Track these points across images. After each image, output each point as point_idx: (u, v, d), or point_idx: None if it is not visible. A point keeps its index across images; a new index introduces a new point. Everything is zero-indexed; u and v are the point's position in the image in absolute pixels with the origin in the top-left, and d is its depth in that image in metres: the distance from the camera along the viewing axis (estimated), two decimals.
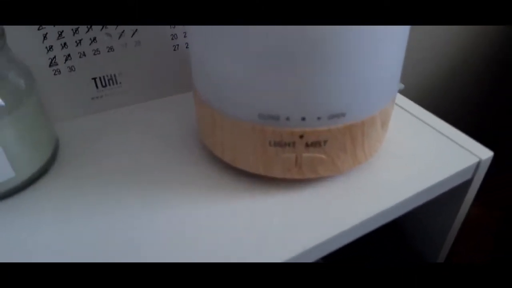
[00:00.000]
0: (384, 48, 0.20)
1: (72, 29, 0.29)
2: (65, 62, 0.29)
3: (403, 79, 0.72)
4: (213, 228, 0.22)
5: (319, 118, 0.20)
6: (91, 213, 0.23)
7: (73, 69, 0.30)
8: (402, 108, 0.33)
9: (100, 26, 0.29)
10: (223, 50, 0.20)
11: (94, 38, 0.30)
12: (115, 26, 0.30)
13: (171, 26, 0.32)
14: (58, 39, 0.28)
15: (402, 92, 0.73)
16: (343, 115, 0.20)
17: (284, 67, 0.19)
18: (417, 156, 0.28)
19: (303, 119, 0.20)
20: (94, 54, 0.30)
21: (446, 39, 0.78)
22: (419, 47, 0.74)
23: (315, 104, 0.20)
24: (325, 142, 0.21)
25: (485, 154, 0.29)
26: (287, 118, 0.20)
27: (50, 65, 0.29)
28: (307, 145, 0.21)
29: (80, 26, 0.29)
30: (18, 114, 0.22)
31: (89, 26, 0.29)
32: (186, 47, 0.33)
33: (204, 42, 0.21)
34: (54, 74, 0.29)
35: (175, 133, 0.30)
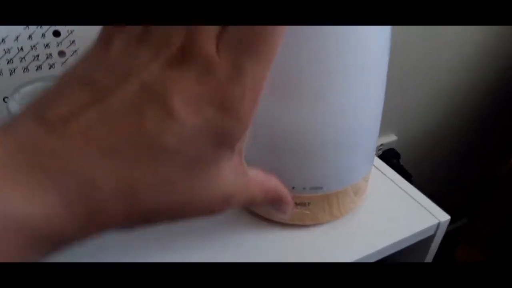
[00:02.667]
0: (351, 148, 0.30)
1: None
2: None
3: (395, 131, 0.80)
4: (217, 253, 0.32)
5: (304, 188, 0.30)
6: None
7: None
8: (379, 170, 0.42)
9: None
10: None
11: None
12: None
13: None
14: None
15: (395, 142, 0.81)
16: (321, 188, 0.30)
17: (280, 155, 0.29)
18: (388, 214, 0.37)
19: (293, 188, 0.30)
20: None
21: (439, 95, 0.85)
22: (411, 103, 0.81)
23: (301, 180, 0.30)
24: (308, 203, 0.31)
25: (444, 217, 0.37)
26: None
27: None
28: (296, 204, 0.31)
29: None
30: None
31: None
32: None
33: None
34: None
35: None
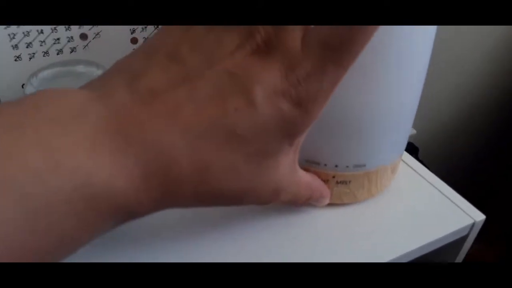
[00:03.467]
0: (393, 127, 0.29)
1: None
2: None
3: (414, 125, 0.78)
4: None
5: (347, 166, 0.29)
6: None
7: None
8: (410, 166, 0.41)
9: None
10: None
11: None
12: None
13: None
14: None
15: (413, 136, 0.80)
16: (364, 165, 0.30)
17: (324, 134, 0.28)
18: (419, 210, 0.35)
19: (336, 166, 0.30)
20: None
21: (459, 90, 0.83)
22: (431, 97, 0.80)
23: (345, 158, 0.29)
24: (349, 181, 0.31)
25: (479, 216, 0.36)
26: (325, 164, 0.30)
27: None
28: (337, 182, 0.30)
29: None
30: None
31: None
32: None
33: None
34: None
35: None
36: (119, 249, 0.28)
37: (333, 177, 0.30)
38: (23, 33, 0.32)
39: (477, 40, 0.74)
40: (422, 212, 0.35)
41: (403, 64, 0.27)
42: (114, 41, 0.34)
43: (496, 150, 0.98)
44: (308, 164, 0.30)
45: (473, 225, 0.35)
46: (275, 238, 0.31)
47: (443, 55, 0.72)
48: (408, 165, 0.41)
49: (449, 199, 0.37)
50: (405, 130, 0.32)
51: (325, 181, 0.31)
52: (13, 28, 0.31)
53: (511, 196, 0.89)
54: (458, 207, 0.36)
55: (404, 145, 0.34)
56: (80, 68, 0.30)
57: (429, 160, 0.80)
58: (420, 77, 0.30)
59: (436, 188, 0.38)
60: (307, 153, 0.29)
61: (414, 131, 0.80)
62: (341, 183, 0.31)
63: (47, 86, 0.29)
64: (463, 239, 0.36)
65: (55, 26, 0.32)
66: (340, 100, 0.27)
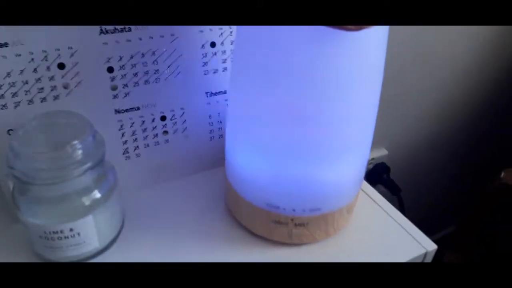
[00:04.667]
0: (346, 174, 0.32)
1: (142, 129, 0.40)
2: (134, 151, 0.41)
3: (386, 145, 0.82)
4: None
5: (303, 210, 0.33)
6: None
7: (139, 155, 0.41)
8: (366, 194, 0.44)
9: (162, 127, 0.41)
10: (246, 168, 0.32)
11: (156, 134, 0.41)
12: (173, 124, 0.41)
13: (210, 123, 0.43)
14: (132, 135, 0.40)
15: (386, 157, 0.83)
16: (319, 209, 0.33)
17: (281, 179, 0.31)
18: (375, 238, 0.39)
19: (294, 210, 0.33)
20: (155, 145, 0.42)
21: (426, 113, 0.87)
22: (401, 120, 0.83)
23: (301, 202, 0.33)
24: (307, 223, 0.34)
25: (431, 246, 0.39)
26: (284, 208, 0.33)
27: (123, 153, 0.41)
28: (295, 225, 0.34)
29: (149, 128, 0.40)
30: (108, 203, 0.34)
31: (154, 127, 0.41)
32: (219, 137, 0.45)
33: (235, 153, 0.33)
34: (125, 159, 0.41)
35: (209, 198, 0.42)
36: None
37: (292, 220, 0.33)
38: (9, 83, 0.34)
39: (446, 65, 0.78)
40: (378, 244, 0.39)
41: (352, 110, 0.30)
42: (94, 88, 0.37)
43: (466, 168, 1.03)
44: (268, 208, 0.33)
45: (425, 254, 0.39)
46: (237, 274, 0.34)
47: (413, 79, 0.76)
48: (367, 195, 0.44)
49: (405, 229, 0.40)
50: (358, 175, 0.35)
51: (285, 224, 0.34)
52: (0, 80, 0.34)
53: (484, 211, 0.93)
54: (413, 237, 0.40)
55: (359, 187, 0.37)
56: (62, 120, 0.32)
57: (399, 178, 0.84)
58: (370, 116, 0.33)
59: (392, 218, 0.42)
60: (268, 197, 0.33)
61: (386, 152, 0.83)
62: (299, 225, 0.34)
63: (33, 136, 0.31)
64: None
65: (39, 77, 0.35)
66: (295, 148, 0.30)
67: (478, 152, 1.01)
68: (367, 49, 0.27)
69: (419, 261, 0.39)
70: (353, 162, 0.33)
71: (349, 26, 0.22)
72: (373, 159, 0.81)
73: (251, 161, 0.33)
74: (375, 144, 0.81)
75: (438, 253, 1.08)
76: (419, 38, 0.69)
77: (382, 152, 0.83)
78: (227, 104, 0.43)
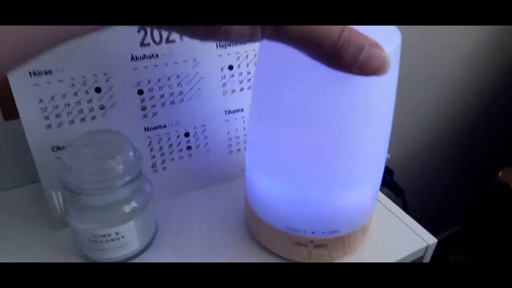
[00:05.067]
0: (363, 197, 0.36)
1: (169, 145, 0.45)
2: (161, 164, 0.46)
3: (389, 150, 0.86)
4: None
5: (323, 233, 0.36)
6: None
7: (165, 168, 0.46)
8: (379, 201, 0.48)
9: (186, 142, 0.45)
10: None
11: (181, 149, 0.46)
12: (196, 139, 0.46)
13: (229, 138, 0.48)
14: (159, 150, 0.45)
15: (388, 161, 0.87)
16: (337, 231, 0.36)
17: (302, 205, 0.35)
18: (385, 245, 0.43)
19: (313, 232, 0.36)
20: (180, 159, 0.46)
21: (427, 118, 0.91)
22: (403, 125, 0.87)
23: (321, 226, 0.36)
24: (325, 245, 0.37)
25: (432, 240, 0.43)
26: (304, 231, 0.36)
27: (151, 167, 0.45)
28: (315, 246, 0.37)
29: (174, 143, 0.45)
30: (145, 210, 0.38)
31: (179, 143, 0.45)
32: (237, 151, 0.49)
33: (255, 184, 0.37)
34: (153, 172, 0.46)
35: (228, 208, 0.46)
36: None
37: (311, 241, 0.37)
38: (53, 106, 0.39)
39: (443, 73, 0.83)
40: (384, 242, 0.43)
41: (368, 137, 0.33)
42: (126, 108, 0.42)
43: (466, 169, 1.07)
44: (289, 230, 0.36)
45: (426, 247, 0.43)
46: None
47: (411, 87, 0.80)
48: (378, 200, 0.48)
49: (407, 225, 0.45)
50: (373, 199, 0.39)
51: (304, 245, 0.37)
52: (45, 103, 0.39)
53: (485, 209, 0.96)
54: (415, 232, 0.44)
55: (373, 208, 0.41)
56: (104, 137, 0.37)
57: (404, 182, 0.88)
58: (383, 143, 0.36)
59: (395, 215, 0.46)
60: (289, 221, 0.36)
61: (389, 155, 0.88)
62: (318, 246, 0.37)
63: (81, 151, 0.36)
64: (420, 259, 0.44)
65: (79, 100, 0.40)
66: (314, 176, 0.33)
67: (477, 152, 1.05)
68: (380, 86, 0.31)
69: (420, 254, 0.43)
70: (367, 188, 0.37)
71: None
72: None
73: (271, 187, 0.36)
74: None
75: (442, 253, 1.12)
76: (418, 46, 0.73)
77: (377, 197, 0.87)
78: (246, 128, 0.48)
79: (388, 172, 0.87)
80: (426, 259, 0.44)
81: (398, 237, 0.44)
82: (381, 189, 0.89)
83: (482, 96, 0.94)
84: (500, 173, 0.82)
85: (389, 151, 0.87)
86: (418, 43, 0.72)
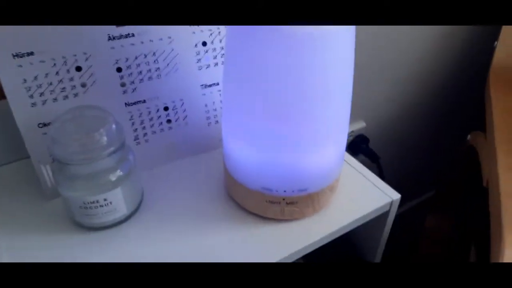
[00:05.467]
0: (327, 159, 0.40)
1: (149, 118, 0.48)
2: (143, 137, 0.49)
3: (364, 118, 0.90)
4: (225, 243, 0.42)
5: (293, 191, 0.40)
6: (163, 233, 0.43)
7: (147, 141, 0.49)
8: (347, 162, 0.52)
9: (165, 116, 0.48)
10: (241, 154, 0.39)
11: (161, 123, 0.49)
12: (175, 113, 0.49)
13: (206, 111, 0.51)
14: (140, 124, 0.47)
15: (364, 129, 0.91)
16: (306, 190, 0.40)
17: (274, 165, 0.38)
18: (354, 202, 0.47)
19: (285, 191, 0.40)
20: (161, 132, 0.49)
21: (399, 88, 0.95)
22: (377, 94, 0.91)
23: (291, 185, 0.40)
24: (296, 202, 0.41)
25: (396, 196, 0.48)
26: (276, 190, 0.40)
27: (134, 139, 0.48)
28: (287, 203, 0.41)
29: (154, 117, 0.48)
30: (130, 178, 0.41)
31: (159, 116, 0.48)
32: (215, 123, 0.52)
33: (230, 141, 0.40)
34: (136, 144, 0.49)
35: (208, 176, 0.50)
36: None
37: (283, 199, 0.40)
38: (36, 85, 0.41)
39: (414, 40, 0.86)
40: (354, 199, 0.47)
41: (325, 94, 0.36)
42: (107, 85, 0.44)
43: (438, 135, 1.11)
44: (262, 190, 0.40)
45: (391, 202, 0.47)
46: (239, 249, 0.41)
47: (384, 56, 0.83)
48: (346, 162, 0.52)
49: (375, 184, 0.49)
50: (338, 160, 0.42)
51: (277, 203, 0.41)
52: (29, 83, 0.41)
53: (458, 173, 1.01)
54: (381, 190, 0.48)
55: (339, 171, 0.44)
56: (88, 112, 0.40)
57: (379, 148, 0.92)
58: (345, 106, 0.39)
59: (365, 176, 0.50)
60: (262, 182, 0.40)
61: (364, 124, 0.92)
62: (290, 203, 0.41)
63: (66, 125, 0.38)
64: (386, 214, 0.48)
65: (61, 79, 0.42)
66: (282, 140, 0.37)
67: (447, 119, 1.09)
68: (337, 47, 0.34)
69: (386, 209, 0.47)
70: (332, 149, 0.40)
71: None
72: (352, 131, 0.90)
73: (245, 151, 0.40)
74: (354, 117, 0.89)
75: (420, 217, 1.17)
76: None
77: (360, 125, 0.91)
78: (221, 101, 0.50)
79: (364, 140, 0.91)
80: (392, 214, 0.48)
81: (365, 194, 0.48)
82: (357, 156, 0.93)
83: (449, 67, 0.98)
84: (468, 137, 0.87)
85: (365, 120, 0.92)
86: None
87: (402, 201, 0.48)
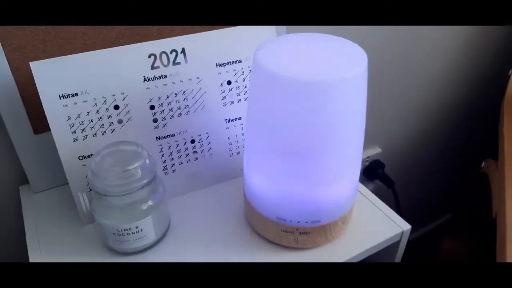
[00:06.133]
0: (339, 193, 0.43)
1: (177, 150, 0.52)
2: (171, 168, 0.53)
3: (380, 144, 0.92)
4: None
5: (306, 222, 0.43)
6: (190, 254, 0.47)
7: (175, 171, 0.53)
8: (360, 192, 0.55)
9: (192, 148, 0.53)
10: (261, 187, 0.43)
11: (188, 154, 0.53)
12: (201, 145, 0.53)
13: (229, 143, 0.55)
14: (169, 155, 0.52)
15: (380, 154, 0.93)
16: (318, 221, 0.43)
17: (288, 198, 0.42)
18: (365, 232, 0.49)
19: (298, 222, 0.43)
20: (187, 162, 0.53)
21: (414, 113, 0.97)
22: (392, 121, 0.94)
23: (304, 216, 0.43)
24: (309, 232, 0.44)
25: (406, 226, 0.50)
26: (290, 221, 0.43)
27: (163, 170, 0.53)
28: (300, 233, 0.44)
29: (182, 149, 0.52)
30: (160, 207, 0.45)
31: (186, 148, 0.52)
32: (237, 154, 0.56)
33: (252, 177, 0.44)
34: (165, 174, 0.53)
35: (230, 202, 0.54)
36: None
37: (297, 229, 0.44)
38: (79, 122, 0.46)
39: (427, 66, 0.88)
40: (366, 228, 0.50)
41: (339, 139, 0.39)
42: (141, 121, 0.49)
43: (452, 160, 1.13)
44: (278, 220, 0.44)
45: (402, 233, 0.50)
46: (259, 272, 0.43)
47: (398, 83, 0.86)
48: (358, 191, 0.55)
49: (386, 215, 0.52)
50: (350, 194, 0.45)
51: (291, 232, 0.44)
52: (72, 120, 0.46)
53: (474, 197, 1.02)
54: (392, 220, 0.51)
55: (353, 202, 0.47)
56: (124, 147, 0.44)
57: (394, 173, 0.95)
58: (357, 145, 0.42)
59: (377, 207, 0.53)
60: (278, 212, 0.43)
61: (380, 150, 0.94)
62: (303, 233, 0.44)
63: (105, 160, 0.43)
64: (397, 243, 0.51)
65: (100, 116, 0.47)
66: (298, 175, 0.40)
67: (462, 146, 1.11)
68: (349, 93, 0.37)
69: (397, 239, 0.50)
70: (345, 184, 0.43)
71: None
72: (368, 157, 0.93)
73: (263, 183, 0.43)
74: (370, 143, 0.92)
75: (435, 240, 1.19)
76: (404, 45, 0.79)
77: (376, 150, 0.94)
78: (243, 133, 0.55)
79: (379, 166, 0.94)
80: (403, 243, 0.51)
81: (376, 224, 0.51)
82: (373, 181, 0.95)
83: (466, 94, 1.00)
84: (483, 164, 0.88)
85: (381, 146, 0.94)
86: (405, 42, 0.78)
87: (417, 225, 0.51)
